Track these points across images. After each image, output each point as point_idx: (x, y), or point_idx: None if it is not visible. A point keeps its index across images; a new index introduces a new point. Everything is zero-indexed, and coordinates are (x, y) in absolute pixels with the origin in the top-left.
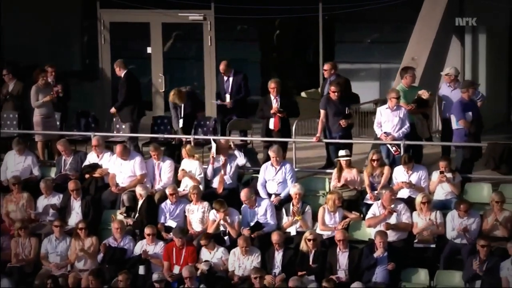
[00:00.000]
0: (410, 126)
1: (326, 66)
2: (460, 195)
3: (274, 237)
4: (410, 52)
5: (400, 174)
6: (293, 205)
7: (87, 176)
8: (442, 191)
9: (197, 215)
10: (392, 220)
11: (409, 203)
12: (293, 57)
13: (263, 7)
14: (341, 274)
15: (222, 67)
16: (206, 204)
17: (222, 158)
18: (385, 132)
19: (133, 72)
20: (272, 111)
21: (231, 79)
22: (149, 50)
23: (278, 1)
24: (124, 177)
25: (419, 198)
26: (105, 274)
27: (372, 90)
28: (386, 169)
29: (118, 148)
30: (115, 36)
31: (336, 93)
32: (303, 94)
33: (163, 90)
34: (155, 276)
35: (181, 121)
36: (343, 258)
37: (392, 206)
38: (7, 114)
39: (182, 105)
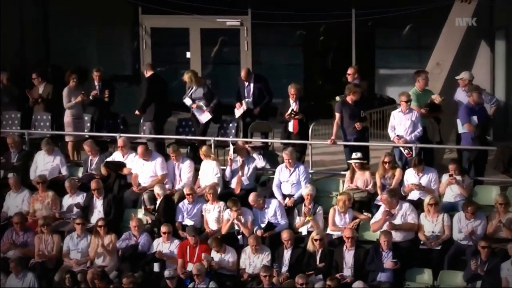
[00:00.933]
0: (423, 130)
1: (350, 71)
2: (470, 197)
3: (284, 235)
4: (435, 57)
5: (410, 176)
6: (305, 205)
7: (103, 171)
8: (451, 193)
9: (213, 214)
10: (397, 220)
11: (419, 205)
12: (333, 61)
13: (298, 13)
14: (347, 272)
15: (243, 74)
16: (222, 203)
17: (240, 160)
18: (397, 135)
19: (160, 75)
20: (286, 115)
21: (252, 85)
22: (188, 54)
23: (314, 7)
24: (146, 177)
25: (426, 200)
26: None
27: None
28: (398, 171)
29: (139, 149)
30: (156, 41)
31: (354, 95)
32: (337, 98)
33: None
34: (166, 273)
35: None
36: (349, 256)
37: (397, 207)
38: (40, 115)
39: (194, 87)
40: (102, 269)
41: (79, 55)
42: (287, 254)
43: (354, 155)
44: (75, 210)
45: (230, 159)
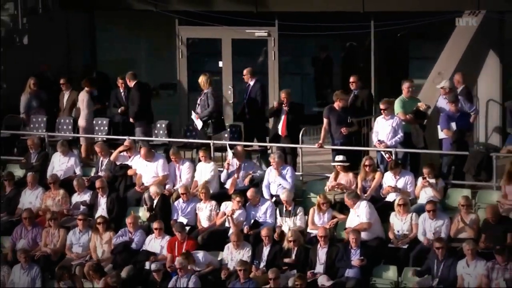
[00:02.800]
0: (407, 135)
1: (352, 79)
2: (443, 199)
3: (263, 232)
4: (438, 67)
5: (388, 179)
6: (286, 208)
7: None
8: (425, 195)
9: (205, 212)
10: (355, 219)
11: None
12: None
13: (321, 25)
14: (319, 269)
15: (244, 73)
16: (214, 202)
17: (237, 163)
18: (379, 140)
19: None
20: (276, 105)
21: (250, 87)
22: (220, 64)
23: (338, 19)
24: (149, 177)
25: (396, 200)
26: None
27: None
28: (378, 174)
29: (142, 150)
30: (192, 51)
31: (341, 101)
32: None
33: (231, 101)
34: (153, 266)
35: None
36: (322, 254)
37: (355, 206)
38: (63, 119)
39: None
40: (97, 262)
41: (126, 64)
42: (266, 250)
43: (337, 158)
44: (82, 207)
45: (228, 163)
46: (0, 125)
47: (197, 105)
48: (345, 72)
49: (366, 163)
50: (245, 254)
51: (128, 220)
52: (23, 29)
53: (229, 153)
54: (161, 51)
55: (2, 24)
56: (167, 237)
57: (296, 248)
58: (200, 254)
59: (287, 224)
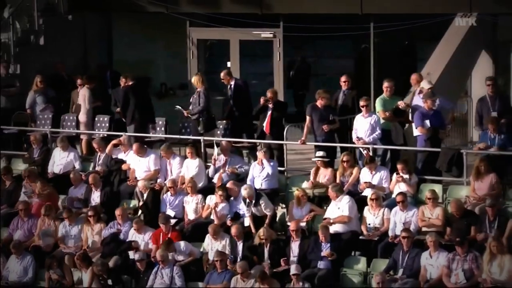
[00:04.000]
0: (387, 133)
1: (344, 78)
2: (416, 194)
3: (233, 230)
4: (428, 67)
5: (365, 174)
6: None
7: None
8: (399, 190)
9: (192, 205)
10: (336, 212)
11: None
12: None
13: (324, 26)
14: (293, 260)
15: (221, 75)
16: (200, 196)
17: (223, 158)
18: (357, 137)
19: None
20: (262, 100)
21: (232, 87)
22: (228, 64)
23: (340, 20)
24: (141, 171)
25: (369, 195)
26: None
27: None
28: (356, 170)
29: (134, 146)
30: (202, 51)
31: (323, 100)
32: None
33: None
34: (137, 256)
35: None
36: (295, 246)
37: (337, 199)
38: (68, 116)
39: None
40: (84, 251)
41: (142, 64)
42: (240, 245)
43: (317, 154)
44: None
45: (214, 159)
46: (9, 121)
47: (190, 103)
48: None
49: (344, 159)
50: (223, 245)
51: (117, 212)
52: (39, 30)
53: (215, 148)
54: (175, 51)
55: (19, 24)
56: (149, 232)
57: (268, 245)
58: (181, 244)
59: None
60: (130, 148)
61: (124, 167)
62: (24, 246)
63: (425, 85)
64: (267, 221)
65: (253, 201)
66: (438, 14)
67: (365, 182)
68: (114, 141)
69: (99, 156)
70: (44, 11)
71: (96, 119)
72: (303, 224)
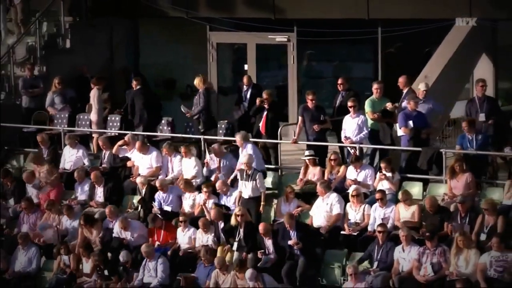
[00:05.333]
0: (375, 132)
1: (340, 81)
2: (397, 191)
3: (212, 212)
4: (426, 70)
5: (350, 172)
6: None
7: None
8: (382, 187)
9: (188, 201)
10: (324, 208)
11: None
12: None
13: (335, 30)
14: (269, 245)
15: (244, 79)
16: (196, 193)
17: (216, 160)
18: (345, 136)
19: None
20: (258, 101)
21: (249, 91)
22: (246, 67)
23: (349, 25)
24: (144, 168)
25: (350, 191)
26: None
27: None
28: (342, 168)
29: (137, 144)
30: (221, 55)
31: (311, 101)
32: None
33: None
34: (121, 259)
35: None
36: (269, 243)
37: (325, 196)
38: (83, 115)
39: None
40: (87, 241)
41: (167, 67)
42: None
43: (306, 153)
44: (84, 195)
45: (207, 162)
46: (30, 120)
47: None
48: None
49: (332, 157)
50: (210, 238)
51: (106, 210)
52: (66, 33)
53: (207, 153)
54: (198, 54)
55: (46, 29)
56: (137, 229)
57: (243, 225)
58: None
59: (247, 189)
60: (134, 146)
61: (128, 164)
62: (30, 238)
63: (422, 87)
64: (262, 198)
65: (250, 174)
66: (439, 19)
67: (350, 180)
68: (119, 142)
69: (104, 154)
70: (70, 16)
71: (108, 118)
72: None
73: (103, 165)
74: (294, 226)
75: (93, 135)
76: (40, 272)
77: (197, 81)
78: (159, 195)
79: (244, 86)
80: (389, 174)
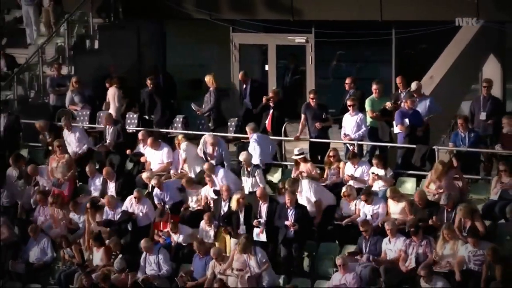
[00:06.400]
0: (374, 130)
1: (348, 80)
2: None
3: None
4: (432, 70)
5: (348, 168)
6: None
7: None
8: (377, 183)
9: (193, 197)
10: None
11: None
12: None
13: (350, 32)
14: (262, 212)
15: (240, 76)
16: (199, 188)
17: (211, 149)
18: (345, 133)
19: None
20: (264, 100)
21: (248, 87)
22: (266, 67)
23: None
24: (156, 163)
25: (342, 191)
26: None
27: None
28: (342, 163)
29: (149, 140)
30: (243, 55)
31: (313, 100)
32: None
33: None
34: (117, 265)
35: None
36: (264, 209)
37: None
38: (103, 113)
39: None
40: (98, 232)
41: (194, 67)
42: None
43: (296, 151)
44: (97, 190)
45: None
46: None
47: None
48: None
49: (330, 154)
50: (212, 232)
51: (105, 200)
52: (94, 35)
53: (201, 141)
54: (222, 55)
55: (75, 30)
56: (147, 204)
57: (243, 209)
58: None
59: (247, 184)
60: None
61: (142, 159)
62: (40, 229)
63: (413, 86)
64: (258, 192)
65: (250, 170)
66: (447, 21)
67: (347, 175)
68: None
69: (108, 129)
70: (99, 17)
71: (127, 115)
72: None
73: (107, 141)
74: (295, 203)
75: None
76: (55, 262)
77: (208, 80)
78: (157, 193)
79: (243, 83)
80: (381, 171)
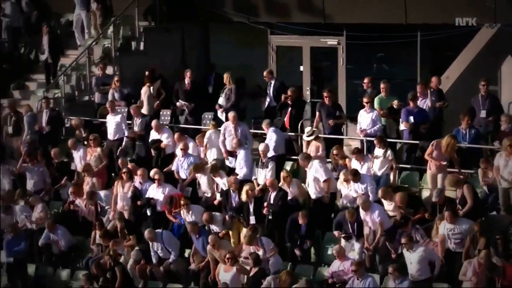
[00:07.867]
0: (383, 127)
1: (366, 80)
2: (397, 179)
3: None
4: (449, 70)
5: (354, 164)
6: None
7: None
8: (379, 166)
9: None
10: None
11: None
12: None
13: (378, 34)
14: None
15: (264, 74)
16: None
17: (232, 126)
18: (361, 129)
19: None
20: (283, 98)
21: (272, 85)
22: (301, 68)
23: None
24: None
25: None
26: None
27: None
28: (348, 160)
29: (176, 135)
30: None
31: (328, 98)
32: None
33: (309, 100)
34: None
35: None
36: (272, 196)
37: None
38: None
39: (228, 87)
40: (121, 213)
41: (237, 68)
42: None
43: (306, 131)
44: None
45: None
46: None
47: (220, 97)
48: None
49: (334, 152)
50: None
51: (139, 172)
52: (140, 36)
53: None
54: (261, 56)
55: (122, 32)
56: (168, 188)
57: (253, 199)
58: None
59: (261, 175)
60: (164, 130)
61: (162, 145)
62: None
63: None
64: (268, 182)
65: (265, 162)
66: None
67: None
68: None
69: (135, 120)
70: (145, 20)
71: (161, 112)
72: None
73: (135, 131)
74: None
75: None
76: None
77: (226, 78)
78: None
79: (268, 81)
80: (381, 150)
